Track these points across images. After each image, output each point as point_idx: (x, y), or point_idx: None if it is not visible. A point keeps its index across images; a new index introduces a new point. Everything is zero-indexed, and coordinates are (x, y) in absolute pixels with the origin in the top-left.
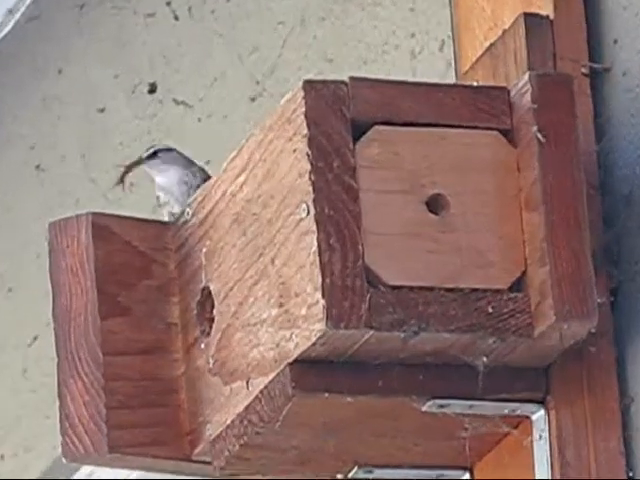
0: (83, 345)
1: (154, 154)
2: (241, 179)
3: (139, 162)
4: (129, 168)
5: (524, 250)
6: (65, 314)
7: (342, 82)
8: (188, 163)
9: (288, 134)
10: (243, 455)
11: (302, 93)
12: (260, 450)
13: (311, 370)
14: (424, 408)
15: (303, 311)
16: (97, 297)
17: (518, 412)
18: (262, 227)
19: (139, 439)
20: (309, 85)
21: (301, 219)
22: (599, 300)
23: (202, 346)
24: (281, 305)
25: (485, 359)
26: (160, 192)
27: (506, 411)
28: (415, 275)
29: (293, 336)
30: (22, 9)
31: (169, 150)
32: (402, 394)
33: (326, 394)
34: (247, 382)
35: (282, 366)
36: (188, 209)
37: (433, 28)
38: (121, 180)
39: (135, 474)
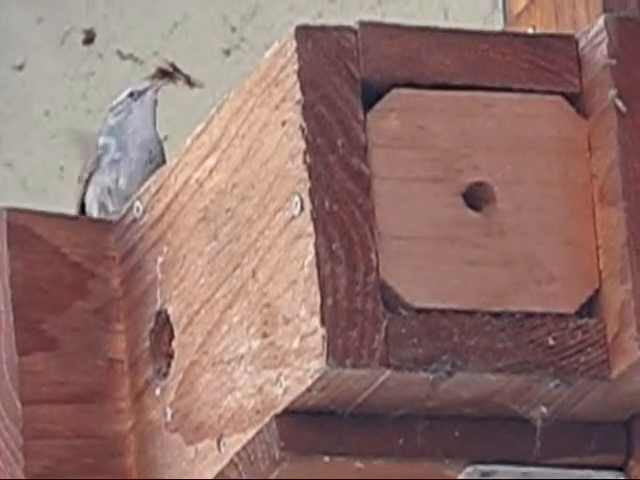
0: None
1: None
2: (210, 162)
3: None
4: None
5: (598, 260)
6: None
7: (349, 29)
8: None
9: (275, 100)
10: None
11: (294, 44)
12: None
13: (306, 424)
14: (461, 476)
15: (295, 344)
16: (14, 325)
17: None
18: (239, 228)
19: None
20: (304, 33)
21: (293, 217)
22: None
23: (157, 392)
24: (265, 335)
25: (544, 410)
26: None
27: None
28: (449, 295)
29: (281, 378)
30: None
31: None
32: (431, 457)
33: (327, 458)
34: (218, 441)
35: (267, 419)
36: (138, 203)
37: None
38: (186, 79)
39: None
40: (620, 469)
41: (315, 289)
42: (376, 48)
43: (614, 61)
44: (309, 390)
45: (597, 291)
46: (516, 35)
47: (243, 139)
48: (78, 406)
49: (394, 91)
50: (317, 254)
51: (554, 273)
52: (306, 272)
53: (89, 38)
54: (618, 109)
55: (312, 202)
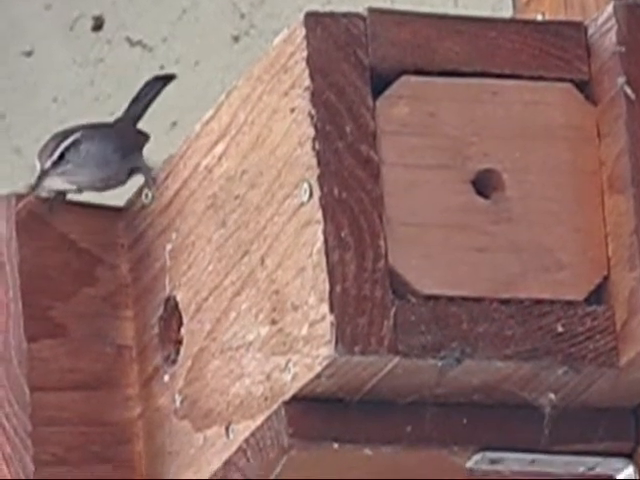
0: (2, 377)
1: (61, 156)
2: (219, 149)
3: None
4: (33, 189)
5: (606, 247)
6: None
7: (358, 15)
8: (117, 151)
9: (284, 87)
10: None
11: (303, 31)
12: None
13: (315, 412)
14: (470, 464)
15: (304, 330)
16: (22, 311)
17: (598, 470)
18: (248, 215)
19: None
20: (313, 19)
21: (301, 204)
22: None
23: (165, 378)
24: (274, 322)
25: (553, 397)
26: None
27: (582, 468)
28: (458, 281)
29: (290, 365)
30: None
31: (90, 136)
32: (439, 444)
33: (335, 444)
34: (227, 428)
35: (275, 406)
36: (146, 190)
37: None
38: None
39: None
40: (629, 456)
41: (324, 276)
42: (385, 35)
43: (623, 48)
44: (318, 377)
45: (606, 278)
46: (525, 22)
47: (252, 126)
48: (86, 393)
49: (403, 78)
50: (326, 241)
51: (563, 260)
52: (315, 259)
53: (98, 25)
54: (627, 96)
55: (321, 189)
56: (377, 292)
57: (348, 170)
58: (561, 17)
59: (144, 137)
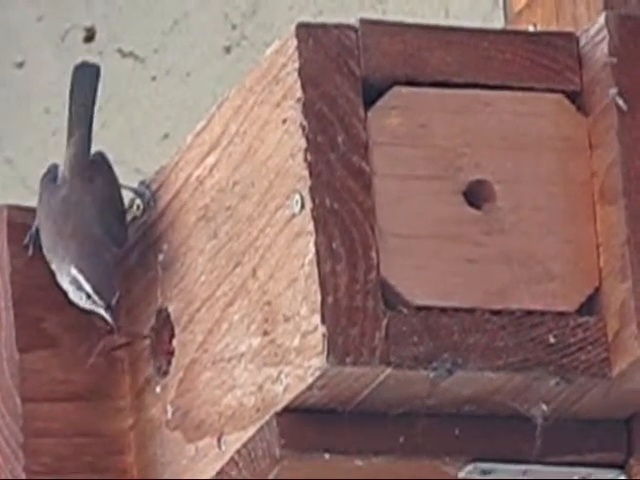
0: None
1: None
2: (211, 160)
3: None
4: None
5: (598, 258)
6: None
7: (350, 26)
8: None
9: (276, 98)
10: None
11: (295, 42)
12: None
13: (306, 422)
14: (461, 475)
15: (295, 341)
16: (14, 322)
17: None
18: (239, 226)
19: None
20: (304, 31)
21: (293, 215)
22: None
23: (157, 390)
24: (265, 333)
25: (545, 408)
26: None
27: (574, 479)
28: (449, 292)
29: (282, 376)
30: None
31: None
32: (431, 455)
33: (327, 455)
34: (219, 439)
35: (267, 417)
36: (138, 201)
37: None
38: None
39: None
40: (621, 467)
41: (315, 287)
42: (377, 46)
43: (615, 59)
44: (309, 388)
45: (597, 289)
46: (517, 33)
47: (244, 137)
48: (78, 404)
49: (395, 89)
50: (317, 252)
51: (554, 271)
52: (306, 270)
53: (89, 36)
54: (619, 107)
55: (313, 200)
56: (369, 303)
57: (340, 181)
58: (553, 28)
59: (103, 160)
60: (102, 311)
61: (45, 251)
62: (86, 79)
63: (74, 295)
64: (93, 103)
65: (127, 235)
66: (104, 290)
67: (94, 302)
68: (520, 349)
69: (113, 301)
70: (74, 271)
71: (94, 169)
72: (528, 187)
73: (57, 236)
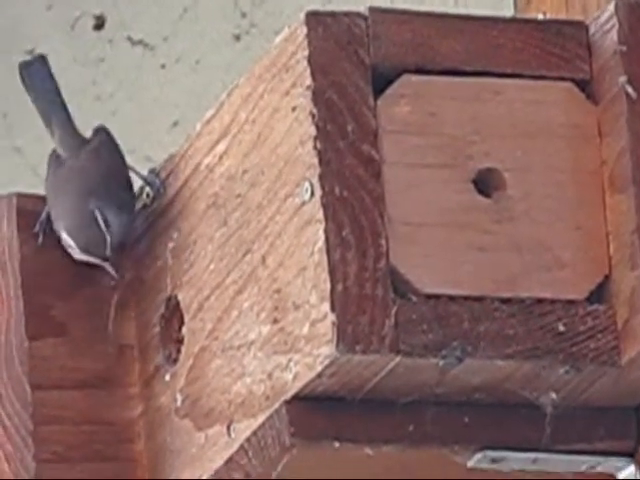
0: (4, 376)
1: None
2: (221, 148)
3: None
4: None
5: (608, 246)
6: None
7: (359, 15)
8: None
9: (285, 86)
10: None
11: (304, 30)
12: None
13: (316, 410)
14: (471, 463)
15: (305, 329)
16: (23, 310)
17: (599, 469)
18: (249, 214)
19: None
20: (314, 19)
21: (303, 203)
22: None
23: (167, 377)
24: (275, 321)
25: (554, 396)
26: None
27: (583, 467)
28: (459, 281)
29: (291, 364)
30: None
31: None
32: (440, 443)
33: (336, 443)
34: (228, 427)
35: (276, 405)
36: (147, 189)
37: None
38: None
39: None
40: (630, 455)
41: (325, 275)
42: (386, 34)
43: (624, 47)
44: (319, 376)
45: (607, 277)
46: (526, 21)
47: (253, 125)
48: (88, 392)
49: (404, 77)
50: (327, 240)
51: (564, 259)
52: (316, 258)
53: (99, 24)
54: (628, 95)
55: (322, 188)
56: (378, 291)
57: (349, 169)
58: (562, 16)
59: (102, 132)
60: (101, 263)
61: (53, 222)
62: (36, 73)
63: (74, 253)
64: (56, 90)
65: (134, 202)
66: (92, 245)
67: (89, 258)
68: (530, 337)
69: (107, 252)
70: (64, 234)
71: (93, 140)
72: (538, 175)
73: (55, 203)
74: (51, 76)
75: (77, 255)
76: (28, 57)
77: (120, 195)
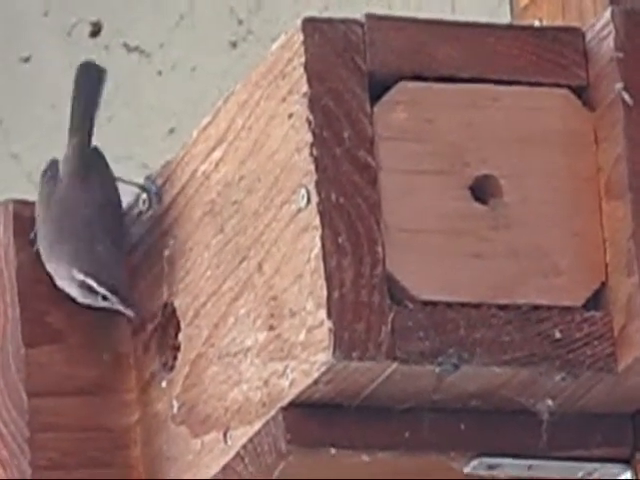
0: (0, 383)
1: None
2: (217, 155)
3: None
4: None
5: (604, 253)
6: None
7: (356, 21)
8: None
9: (282, 93)
10: None
11: (301, 36)
12: None
13: (312, 417)
14: (467, 469)
15: (301, 336)
16: (20, 317)
17: (596, 475)
18: (246, 221)
19: None
20: (311, 25)
21: (299, 210)
22: None
23: (163, 384)
24: (271, 328)
25: (551, 403)
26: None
27: (580, 474)
28: (455, 287)
29: (288, 370)
30: None
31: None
32: (437, 450)
33: (333, 450)
34: (225, 434)
35: (273, 412)
36: (144, 195)
37: None
38: None
39: None
40: (626, 462)
41: (321, 282)
42: (383, 41)
43: (621, 54)
44: (315, 383)
45: (603, 284)
46: (523, 28)
47: (250, 132)
48: (84, 399)
49: (401, 84)
50: (323, 247)
51: (561, 266)
52: (312, 265)
53: (95, 30)
54: (625, 102)
55: (318, 195)
56: (375, 298)
57: (346, 176)
58: (559, 23)
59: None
60: (121, 307)
61: (42, 252)
62: (92, 80)
63: (84, 297)
64: (97, 103)
65: (126, 236)
66: (121, 288)
67: (112, 302)
68: (526, 344)
69: (116, 301)
70: (80, 275)
71: (91, 168)
72: (534, 182)
73: (56, 237)
74: (100, 93)
75: (88, 299)
76: (24, 63)
77: (113, 230)
